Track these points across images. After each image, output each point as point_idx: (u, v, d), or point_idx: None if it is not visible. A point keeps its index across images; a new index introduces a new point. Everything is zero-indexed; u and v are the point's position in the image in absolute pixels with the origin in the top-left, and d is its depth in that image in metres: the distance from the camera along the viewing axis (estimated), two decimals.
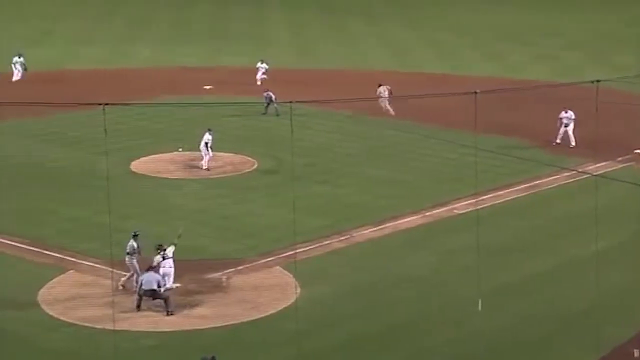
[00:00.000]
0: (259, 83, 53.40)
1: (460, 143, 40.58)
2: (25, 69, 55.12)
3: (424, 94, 40.07)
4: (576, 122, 42.13)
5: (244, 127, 45.45)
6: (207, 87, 52.95)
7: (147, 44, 68.00)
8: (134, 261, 26.99)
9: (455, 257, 29.88)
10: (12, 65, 55.19)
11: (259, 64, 54.90)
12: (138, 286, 26.21)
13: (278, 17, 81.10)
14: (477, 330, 24.01)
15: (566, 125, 42.18)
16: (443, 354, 24.02)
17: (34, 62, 59.67)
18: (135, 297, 26.03)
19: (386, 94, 47.09)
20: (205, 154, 38.53)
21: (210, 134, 38.53)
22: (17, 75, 54.95)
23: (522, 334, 25.07)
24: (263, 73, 54.18)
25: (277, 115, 46.09)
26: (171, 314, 25.65)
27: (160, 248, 27.26)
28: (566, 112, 42.33)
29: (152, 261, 27.02)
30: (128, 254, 27.00)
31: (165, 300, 25.84)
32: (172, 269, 26.90)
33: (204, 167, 38.44)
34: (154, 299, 25.87)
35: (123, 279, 27.10)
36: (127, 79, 55.48)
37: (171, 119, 44.95)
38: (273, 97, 46.94)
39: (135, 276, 26.97)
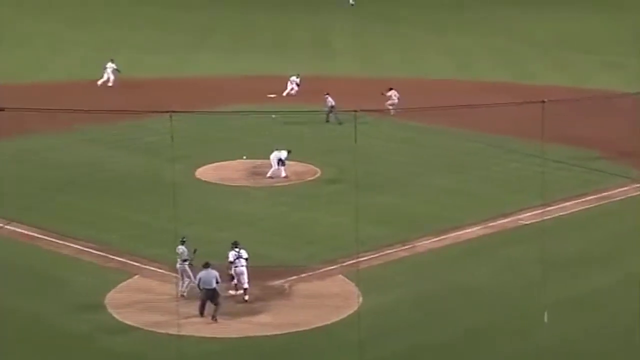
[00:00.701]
0: (293, 92, 53.80)
1: (526, 153, 40.42)
2: (118, 72, 56.42)
3: (490, 103, 39.98)
4: None
5: (308, 136, 45.48)
6: (271, 95, 53.12)
7: (212, 52, 68.45)
8: (186, 266, 27.19)
9: (519, 268, 29.65)
10: (104, 70, 56.38)
11: (293, 77, 54.73)
12: (197, 286, 26.32)
13: (342, 26, 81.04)
14: (544, 342, 23.89)
15: None
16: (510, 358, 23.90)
17: (96, 72, 60.75)
18: (198, 303, 26.15)
19: (396, 99, 48.45)
20: (275, 167, 38.63)
21: (286, 152, 38.73)
22: (108, 80, 56.16)
23: (587, 347, 24.82)
24: (297, 84, 54.31)
25: (340, 124, 46.27)
26: (215, 320, 25.82)
27: (236, 245, 27.58)
28: None
29: (228, 257, 27.38)
30: (184, 260, 27.22)
31: (217, 305, 25.96)
32: (245, 268, 27.15)
33: (282, 175, 38.65)
34: (212, 300, 25.93)
35: (181, 288, 27.22)
36: (193, 88, 55.95)
37: (235, 126, 45.13)
38: (333, 104, 47.17)
39: (188, 282, 27.21)
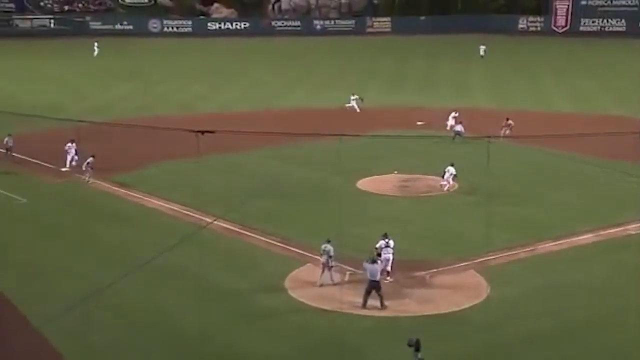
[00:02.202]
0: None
1: (632, 174, 39.05)
2: (361, 100, 59.04)
3: (601, 132, 38.84)
4: None
5: (446, 155, 45.10)
6: (420, 122, 53.14)
7: (373, 90, 68.84)
8: (327, 260, 27.28)
9: (626, 270, 28.76)
10: (350, 101, 59.33)
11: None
12: (365, 277, 26.27)
13: (478, 69, 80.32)
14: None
15: None
16: (616, 354, 23.20)
17: (290, 103, 62.26)
18: (364, 294, 26.00)
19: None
20: (446, 181, 38.64)
21: (453, 167, 38.60)
22: (355, 108, 58.93)
23: None
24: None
25: (463, 142, 46.90)
26: (385, 308, 25.70)
27: (385, 236, 27.69)
28: None
29: (379, 247, 27.55)
30: (330, 256, 27.30)
31: (381, 296, 25.87)
32: (392, 255, 27.16)
33: (444, 189, 38.69)
34: (377, 291, 25.86)
35: (320, 279, 27.38)
36: (357, 116, 56.52)
37: (389, 147, 45.19)
38: (461, 130, 47.96)
39: (329, 274, 27.27)
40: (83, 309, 25.03)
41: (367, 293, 25.92)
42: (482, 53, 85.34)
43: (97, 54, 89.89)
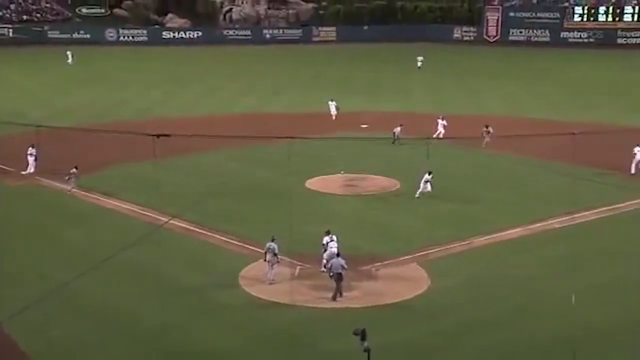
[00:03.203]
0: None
1: (560, 173, 39.69)
2: (337, 109, 56.53)
3: (538, 134, 39.36)
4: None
5: (390, 156, 45.51)
6: (364, 125, 53.29)
7: (321, 94, 68.99)
8: (272, 257, 27.03)
9: (552, 260, 29.22)
10: (329, 106, 56.93)
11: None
12: (330, 272, 26.22)
13: (418, 76, 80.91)
14: (572, 319, 23.46)
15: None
16: (547, 337, 23.55)
17: (243, 107, 61.90)
18: (335, 287, 25.93)
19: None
20: (422, 188, 36.62)
21: (430, 175, 36.43)
22: (332, 113, 56.49)
23: (607, 324, 24.45)
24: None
25: (399, 144, 46.79)
26: (336, 300, 25.69)
27: (329, 233, 27.84)
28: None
29: (325, 243, 27.57)
30: (275, 254, 26.99)
31: (340, 288, 25.83)
32: (336, 249, 27.09)
33: (416, 196, 36.57)
34: (338, 281, 25.86)
35: (269, 276, 27.12)
36: (306, 120, 56.49)
37: (335, 149, 45.26)
38: (395, 131, 47.45)
39: (274, 271, 26.91)
40: (44, 306, 24.60)
41: (337, 284, 26.03)
42: (419, 65, 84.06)
43: (72, 62, 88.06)
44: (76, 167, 38.51)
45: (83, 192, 38.46)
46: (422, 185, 36.55)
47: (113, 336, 23.77)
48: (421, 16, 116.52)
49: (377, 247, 30.55)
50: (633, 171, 41.29)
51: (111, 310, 25.45)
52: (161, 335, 23.71)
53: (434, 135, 46.71)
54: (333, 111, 56.44)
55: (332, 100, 57.03)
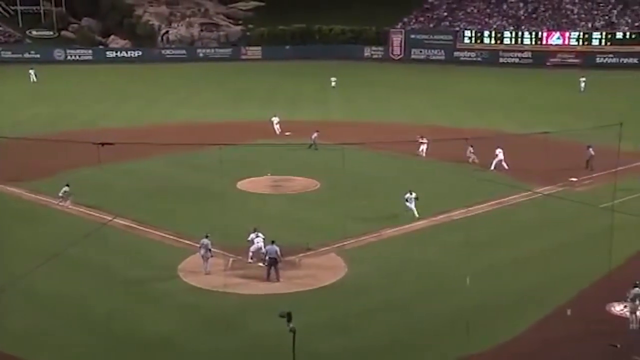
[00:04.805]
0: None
1: (456, 172, 40.42)
2: (278, 124, 53.14)
3: (438, 139, 39.93)
4: (505, 155, 42.16)
5: (310, 159, 45.50)
6: (288, 133, 53.09)
7: (249, 105, 68.74)
8: (206, 252, 26.63)
9: (452, 247, 29.77)
10: (272, 122, 53.36)
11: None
12: (265, 258, 26.23)
13: (334, 90, 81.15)
14: (468, 298, 23.94)
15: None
16: (447, 314, 23.96)
17: (180, 117, 60.93)
18: (265, 268, 26.08)
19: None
20: (408, 208, 33.49)
21: (412, 194, 33.57)
22: (277, 130, 53.08)
23: (496, 302, 24.97)
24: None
25: (316, 149, 46.53)
26: (280, 280, 25.84)
27: (255, 230, 27.64)
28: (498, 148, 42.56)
29: (250, 239, 27.37)
30: (209, 249, 26.60)
31: (277, 270, 25.91)
32: (262, 244, 27.15)
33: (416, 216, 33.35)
34: (275, 265, 25.91)
35: (207, 269, 26.66)
36: (236, 129, 55.99)
37: (263, 154, 44.99)
38: (312, 137, 47.20)
39: (208, 265, 26.50)
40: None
41: (269, 267, 26.07)
42: (333, 85, 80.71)
43: (35, 79, 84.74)
44: (67, 185, 35.37)
45: (34, 195, 37.19)
46: (407, 205, 33.36)
47: (65, 324, 23.10)
48: (336, 37, 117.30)
49: (300, 239, 30.43)
50: (492, 168, 42.29)
51: (63, 300, 24.72)
52: (109, 322, 23.17)
53: (418, 152, 45.48)
54: (277, 126, 52.92)
55: (275, 116, 53.68)
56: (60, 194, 35.42)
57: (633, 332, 22.31)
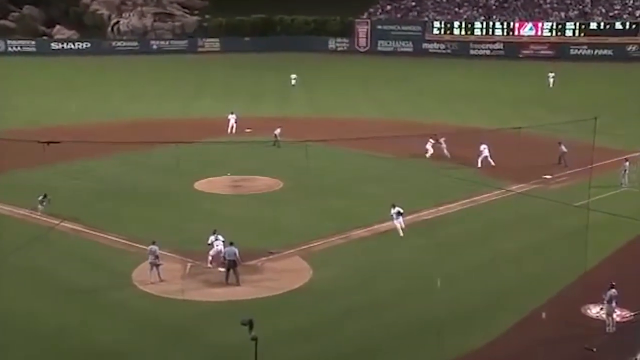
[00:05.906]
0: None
1: (427, 169, 40.70)
2: (235, 122, 52.44)
3: (406, 135, 40.17)
4: (490, 151, 42.78)
5: (272, 157, 45.42)
6: (248, 130, 52.91)
7: (207, 100, 68.41)
8: (154, 259, 26.45)
9: (421, 248, 29.97)
10: (229, 119, 52.63)
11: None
12: (223, 260, 26.21)
13: (297, 82, 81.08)
14: (439, 298, 24.12)
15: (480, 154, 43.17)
16: (417, 318, 24.11)
17: (132, 114, 60.27)
18: (224, 272, 26.07)
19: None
20: (396, 222, 31.56)
21: (398, 208, 31.51)
22: (231, 127, 52.34)
23: (468, 302, 25.17)
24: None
25: (278, 147, 46.49)
26: (240, 284, 25.89)
27: (215, 232, 27.46)
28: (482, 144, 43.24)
29: (210, 242, 27.27)
30: (156, 256, 26.34)
31: (237, 273, 25.95)
32: (222, 247, 27.06)
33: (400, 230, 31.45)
34: (234, 268, 25.94)
35: (155, 276, 26.41)
36: (193, 125, 55.65)
37: (222, 152, 44.83)
38: (275, 133, 47.10)
39: (156, 272, 26.28)
40: None
41: (227, 270, 26.06)
42: (293, 83, 78.68)
43: None
44: (45, 195, 34.03)
45: None
46: (397, 223, 31.55)
47: (12, 338, 22.60)
48: (298, 28, 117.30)
49: (261, 242, 30.33)
50: (479, 165, 42.86)
51: (8, 312, 24.18)
52: (59, 335, 22.77)
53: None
54: (232, 124, 52.33)
55: (232, 113, 53.08)
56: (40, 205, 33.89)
57: (609, 334, 22.72)
